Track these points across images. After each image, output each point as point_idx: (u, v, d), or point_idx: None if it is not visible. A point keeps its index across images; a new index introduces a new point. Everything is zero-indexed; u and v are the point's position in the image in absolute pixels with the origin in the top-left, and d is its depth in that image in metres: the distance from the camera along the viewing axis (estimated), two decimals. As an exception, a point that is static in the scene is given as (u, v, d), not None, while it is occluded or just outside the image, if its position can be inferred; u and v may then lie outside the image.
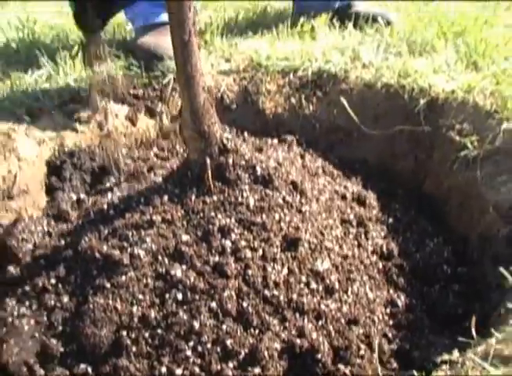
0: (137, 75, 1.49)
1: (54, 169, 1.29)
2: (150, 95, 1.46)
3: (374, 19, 1.77)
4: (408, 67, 1.39)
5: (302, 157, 1.24)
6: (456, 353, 0.62)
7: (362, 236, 1.03)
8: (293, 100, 1.46)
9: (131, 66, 1.53)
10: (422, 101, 1.28)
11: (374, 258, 0.98)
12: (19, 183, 1.22)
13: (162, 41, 1.49)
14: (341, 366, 0.77)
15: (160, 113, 1.45)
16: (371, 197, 1.16)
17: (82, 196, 1.21)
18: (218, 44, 1.66)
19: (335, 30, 1.74)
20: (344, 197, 1.11)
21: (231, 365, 0.76)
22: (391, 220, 1.13)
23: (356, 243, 0.99)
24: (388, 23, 1.77)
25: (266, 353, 0.76)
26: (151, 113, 1.45)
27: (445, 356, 0.63)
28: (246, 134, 1.40)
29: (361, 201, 1.14)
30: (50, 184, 1.26)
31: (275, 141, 1.34)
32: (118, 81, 1.47)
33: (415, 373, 0.64)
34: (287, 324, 0.80)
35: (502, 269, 0.72)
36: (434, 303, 0.94)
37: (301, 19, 1.76)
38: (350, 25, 1.75)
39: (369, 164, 1.36)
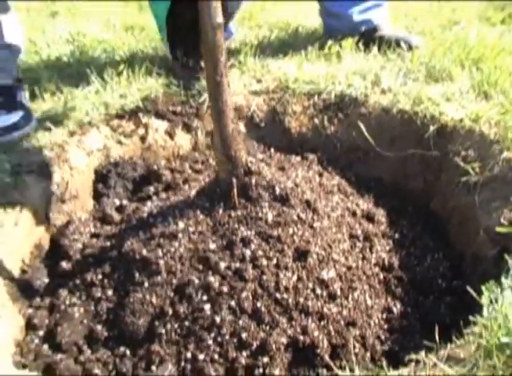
0: (176, 93, 1.66)
1: (101, 177, 1.47)
2: (187, 112, 1.62)
3: (398, 44, 1.90)
4: (422, 94, 1.51)
5: (320, 175, 1.39)
6: (422, 354, 0.75)
7: (367, 249, 1.16)
8: (316, 121, 1.60)
9: (171, 84, 1.69)
10: (432, 127, 1.41)
11: (376, 269, 1.12)
12: (70, 189, 1.40)
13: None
14: (337, 362, 0.91)
15: (196, 129, 1.61)
16: (380, 214, 1.30)
17: (125, 202, 1.38)
18: (251, 64, 1.81)
19: (360, 54, 1.88)
20: (354, 214, 1.25)
21: (244, 354, 0.91)
22: (397, 235, 1.26)
23: (361, 255, 1.13)
24: (411, 47, 1.89)
25: (274, 346, 0.91)
26: (188, 128, 1.61)
27: (413, 356, 0.76)
28: (272, 150, 1.56)
29: (370, 218, 1.27)
30: (97, 190, 1.44)
31: (298, 158, 1.49)
32: (159, 98, 1.64)
33: (385, 368, 0.78)
34: (293, 323, 0.95)
35: (468, 288, 0.85)
36: (428, 312, 1.07)
37: (329, 42, 1.90)
38: (374, 49, 1.88)
39: (383, 182, 1.49)
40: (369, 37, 1.95)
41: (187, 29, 1.58)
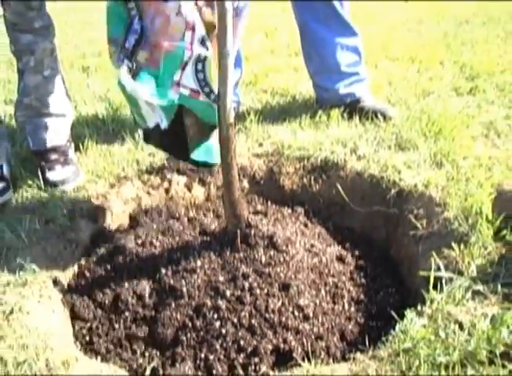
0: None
1: (134, 221, 1.88)
2: (202, 170, 2.03)
3: (375, 115, 2.32)
4: (388, 162, 1.92)
5: (305, 225, 1.79)
6: (358, 354, 1.14)
7: (337, 284, 1.56)
8: (304, 180, 2.00)
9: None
10: (393, 190, 1.81)
11: (342, 299, 1.51)
12: (111, 229, 1.81)
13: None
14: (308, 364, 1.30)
15: (209, 183, 2.02)
16: (349, 257, 1.69)
17: (154, 240, 1.78)
18: (254, 130, 2.23)
19: (344, 123, 2.30)
20: (329, 256, 1.65)
21: (242, 356, 1.30)
22: (361, 274, 1.65)
23: (331, 288, 1.52)
24: (388, 117, 2.32)
25: (263, 351, 1.30)
26: (202, 183, 2.02)
27: (351, 355, 1.16)
28: (269, 203, 1.97)
29: (341, 259, 1.67)
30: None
31: (289, 211, 1.89)
32: (179, 161, 2.05)
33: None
34: (277, 335, 1.33)
35: (392, 312, 1.24)
36: (376, 331, 1.46)
37: (319, 112, 2.33)
38: (356, 119, 2.31)
39: (354, 231, 1.88)
40: (352, 107, 2.38)
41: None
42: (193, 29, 1.41)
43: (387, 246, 1.82)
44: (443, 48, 3.52)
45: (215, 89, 1.37)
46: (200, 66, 1.43)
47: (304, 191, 2.00)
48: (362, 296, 1.55)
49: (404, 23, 4.39)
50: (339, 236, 1.83)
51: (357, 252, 1.75)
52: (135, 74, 1.42)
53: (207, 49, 1.42)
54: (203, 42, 1.43)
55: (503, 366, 1.00)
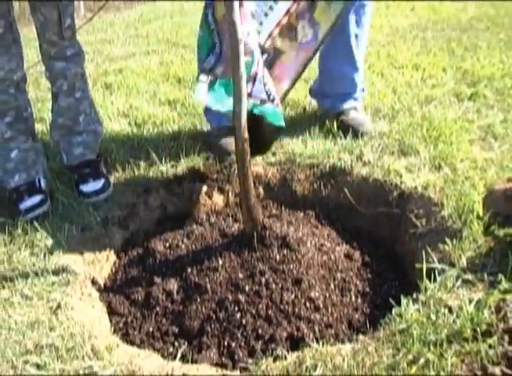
0: (213, 164, 2.26)
1: (161, 226, 2.07)
2: (221, 179, 2.20)
3: (348, 130, 2.42)
4: (390, 167, 2.09)
5: (316, 226, 1.97)
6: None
7: (346, 279, 1.73)
8: (315, 185, 2.17)
9: (209, 157, 2.30)
10: (395, 192, 1.98)
11: (348, 292, 1.68)
12: (140, 234, 2.01)
13: (230, 141, 2.26)
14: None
15: (227, 191, 2.20)
16: (357, 254, 1.87)
17: (180, 243, 1.97)
18: (268, 141, 2.42)
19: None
20: (337, 254, 1.82)
21: (260, 342, 1.47)
22: (368, 269, 1.82)
23: (339, 283, 1.69)
24: (361, 133, 2.39)
25: (279, 338, 1.47)
26: (221, 190, 2.20)
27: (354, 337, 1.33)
28: (282, 207, 2.14)
29: (349, 256, 1.84)
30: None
31: (302, 214, 2.07)
32: (201, 168, 2.24)
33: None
34: (291, 324, 1.51)
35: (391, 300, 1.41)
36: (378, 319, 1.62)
37: (327, 122, 2.50)
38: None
39: (361, 231, 2.06)
40: (333, 120, 2.50)
41: None
42: (262, 51, 1.85)
43: (391, 244, 1.99)
44: (447, 54, 3.67)
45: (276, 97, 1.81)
46: (266, 80, 1.79)
47: (314, 196, 2.17)
48: (367, 289, 1.72)
49: (410, 31, 4.54)
50: (347, 235, 2.00)
51: (364, 250, 1.92)
52: (210, 85, 1.76)
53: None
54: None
55: (484, 342, 1.17)
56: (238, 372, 1.29)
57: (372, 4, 2.50)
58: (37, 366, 1.23)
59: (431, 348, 1.17)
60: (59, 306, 1.47)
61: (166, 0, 7.48)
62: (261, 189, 2.20)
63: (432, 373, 1.11)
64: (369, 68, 3.45)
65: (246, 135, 1.56)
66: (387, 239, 2.01)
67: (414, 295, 1.41)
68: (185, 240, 1.84)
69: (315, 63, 2.59)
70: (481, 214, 1.66)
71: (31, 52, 3.06)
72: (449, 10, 5.37)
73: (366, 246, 1.96)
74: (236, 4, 1.45)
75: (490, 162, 2.06)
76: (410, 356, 1.17)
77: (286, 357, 1.28)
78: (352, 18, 2.42)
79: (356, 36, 2.47)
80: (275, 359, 1.28)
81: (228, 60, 1.57)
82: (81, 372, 1.20)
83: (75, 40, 2.07)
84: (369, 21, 2.52)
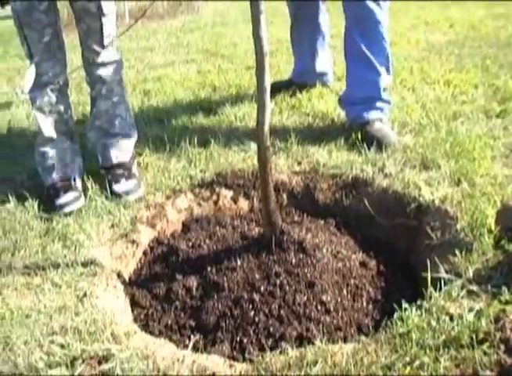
0: (240, 171, 2.36)
1: (185, 227, 2.17)
2: (247, 185, 2.30)
3: (372, 142, 2.49)
4: (410, 180, 2.15)
5: (335, 234, 2.04)
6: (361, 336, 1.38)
7: (359, 285, 1.79)
8: (337, 195, 2.24)
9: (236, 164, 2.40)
10: (413, 205, 2.04)
11: (360, 298, 1.74)
12: (166, 234, 2.12)
13: None
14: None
15: (253, 197, 2.29)
16: (372, 263, 1.93)
17: (202, 243, 2.06)
18: (295, 150, 2.50)
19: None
20: (353, 261, 1.89)
21: (270, 340, 1.55)
22: (382, 278, 1.88)
23: (351, 289, 1.76)
24: (385, 145, 2.46)
25: (288, 337, 1.55)
26: (247, 196, 2.29)
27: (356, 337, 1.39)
28: (305, 215, 2.22)
29: (365, 265, 1.90)
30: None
31: (322, 222, 2.14)
32: (228, 174, 2.34)
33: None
34: (301, 325, 1.59)
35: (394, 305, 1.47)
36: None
37: (353, 134, 2.57)
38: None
39: (380, 241, 2.12)
40: (358, 130, 2.58)
41: None
42: None
43: (407, 254, 2.04)
44: (480, 71, 3.69)
45: None
46: None
47: (335, 205, 2.24)
48: (379, 296, 1.78)
49: (446, 47, 4.56)
50: (365, 244, 2.06)
51: (380, 259, 1.97)
52: None
53: None
54: None
55: (479, 349, 1.22)
56: (244, 364, 1.37)
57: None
58: (61, 346, 1.34)
59: (427, 351, 1.23)
60: (85, 295, 1.58)
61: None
62: (284, 197, 2.29)
63: (426, 374, 1.17)
64: (401, 83, 3.51)
65: (269, 143, 1.64)
66: (403, 249, 2.06)
67: (418, 302, 1.46)
68: (207, 240, 1.94)
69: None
70: (493, 228, 1.70)
71: (76, 58, 3.19)
72: (489, 27, 5.36)
73: (383, 255, 2.01)
74: (263, 19, 1.55)
75: (510, 179, 2.09)
76: (407, 358, 1.23)
77: (288, 352, 1.35)
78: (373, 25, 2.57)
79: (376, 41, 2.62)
80: (279, 354, 1.36)
81: (255, 72, 1.66)
82: (100, 353, 1.31)
83: (115, 48, 2.20)
84: (386, 24, 2.64)
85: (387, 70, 2.69)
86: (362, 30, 2.59)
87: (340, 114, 2.93)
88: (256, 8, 1.52)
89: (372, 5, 2.52)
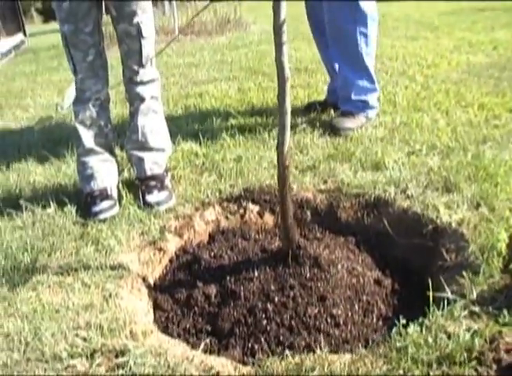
0: (267, 187, 2.46)
1: (211, 238, 2.29)
2: (273, 201, 2.41)
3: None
4: (429, 202, 2.20)
5: (353, 251, 2.11)
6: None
7: (371, 302, 1.86)
8: (359, 214, 2.32)
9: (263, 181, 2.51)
10: (430, 226, 2.10)
11: (371, 314, 1.81)
12: (192, 243, 2.24)
13: None
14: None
15: (278, 212, 2.39)
16: (387, 281, 1.99)
17: (224, 254, 2.17)
18: (322, 169, 2.59)
19: (401, 165, 2.59)
20: (368, 278, 1.96)
21: (279, 348, 1.64)
22: (395, 296, 1.94)
23: (363, 304, 1.83)
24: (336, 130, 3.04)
25: (297, 346, 1.64)
26: (272, 211, 2.40)
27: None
28: (327, 232, 2.31)
29: (379, 283, 1.97)
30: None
31: (342, 239, 2.22)
32: (255, 190, 2.45)
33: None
34: (310, 335, 1.67)
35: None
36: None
37: (380, 154, 2.64)
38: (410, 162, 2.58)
39: (397, 260, 2.18)
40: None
41: None
42: None
43: (422, 274, 2.09)
44: (518, 96, 3.70)
45: None
46: None
47: (357, 223, 2.31)
48: (390, 314, 1.84)
49: (487, 69, 4.57)
50: (382, 263, 2.13)
51: (395, 278, 2.04)
52: None
53: None
54: None
55: (471, 367, 1.28)
56: (248, 367, 1.47)
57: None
58: (84, 340, 1.48)
59: (420, 366, 1.30)
60: (110, 295, 1.72)
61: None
62: (308, 214, 2.38)
63: (415, 386, 1.25)
64: (435, 105, 3.55)
65: (288, 162, 1.75)
66: (419, 269, 2.11)
67: (420, 319, 1.53)
68: (228, 251, 2.05)
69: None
70: (503, 252, 1.75)
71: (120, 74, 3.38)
72: (534, 50, 5.33)
73: (398, 274, 2.07)
74: (286, 47, 1.66)
75: (531, 205, 2.12)
76: (400, 371, 1.30)
77: (289, 358, 1.44)
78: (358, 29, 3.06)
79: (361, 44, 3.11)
80: (280, 359, 1.45)
81: (277, 95, 1.77)
82: (118, 348, 1.44)
83: (153, 67, 2.35)
84: (375, 34, 3.13)
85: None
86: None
87: (366, 134, 3.01)
88: (279, 37, 1.64)
89: None
